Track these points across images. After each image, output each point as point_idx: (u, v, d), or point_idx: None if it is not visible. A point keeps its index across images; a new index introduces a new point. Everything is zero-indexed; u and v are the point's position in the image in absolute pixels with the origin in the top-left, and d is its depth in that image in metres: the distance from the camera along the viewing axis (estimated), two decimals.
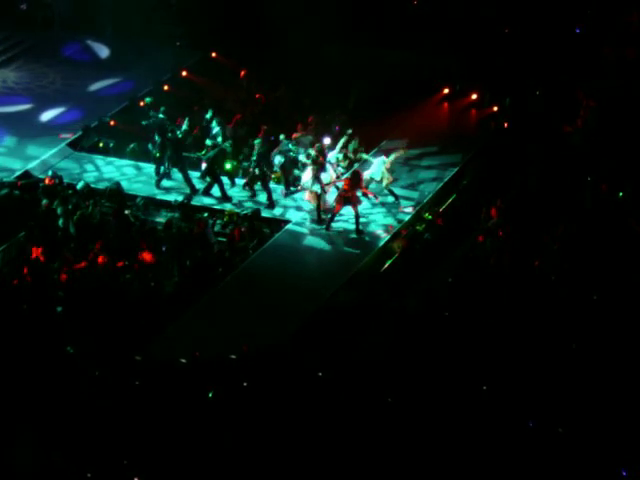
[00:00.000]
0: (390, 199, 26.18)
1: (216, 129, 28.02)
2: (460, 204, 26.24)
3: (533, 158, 26.69)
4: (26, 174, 27.78)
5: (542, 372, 18.89)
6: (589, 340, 19.80)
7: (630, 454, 16.92)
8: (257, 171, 26.28)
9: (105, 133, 29.74)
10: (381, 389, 18.55)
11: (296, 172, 26.78)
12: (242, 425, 17.82)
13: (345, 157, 27.02)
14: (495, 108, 29.48)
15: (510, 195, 25.27)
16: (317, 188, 25.45)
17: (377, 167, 25.96)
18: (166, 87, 31.28)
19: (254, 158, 26.31)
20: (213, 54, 32.96)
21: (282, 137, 26.95)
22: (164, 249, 24.07)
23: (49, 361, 19.79)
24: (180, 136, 27.37)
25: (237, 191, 26.93)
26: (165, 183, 27.34)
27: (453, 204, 26.37)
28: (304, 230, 25.47)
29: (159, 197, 26.87)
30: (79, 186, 26.35)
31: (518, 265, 22.47)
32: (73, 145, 29.34)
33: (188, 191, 26.64)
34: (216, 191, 26.70)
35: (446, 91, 30.50)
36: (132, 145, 28.98)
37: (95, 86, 32.41)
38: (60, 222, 25.06)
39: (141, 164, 28.40)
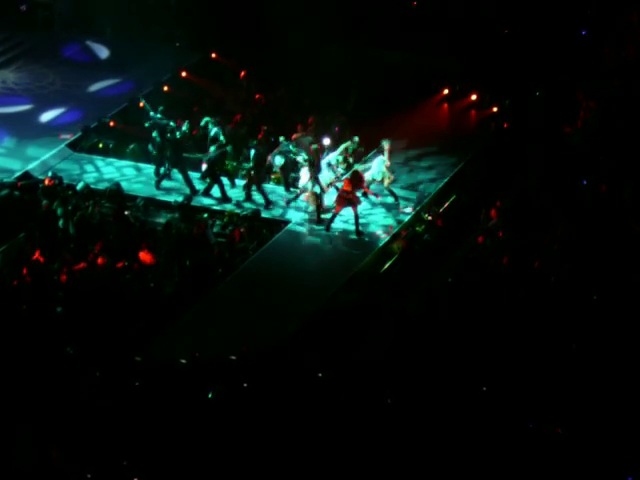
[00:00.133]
0: (390, 199, 26.19)
1: (214, 130, 27.93)
2: (460, 205, 26.23)
3: (533, 158, 26.68)
4: (26, 175, 27.71)
5: (542, 373, 18.89)
6: (589, 341, 19.79)
7: (635, 459, 16.87)
8: (253, 173, 26.32)
9: (105, 134, 29.73)
10: (381, 390, 18.55)
11: (294, 174, 26.78)
12: (242, 425, 17.81)
13: (345, 160, 26.98)
14: (495, 109, 29.48)
15: (510, 196, 25.27)
16: (317, 189, 25.45)
17: (377, 167, 25.94)
18: (166, 88, 31.25)
19: (251, 161, 26.35)
20: (213, 54, 32.91)
21: (282, 139, 26.94)
22: (164, 250, 24.05)
23: (49, 361, 19.78)
24: (179, 137, 27.34)
25: (237, 192, 26.93)
26: (165, 184, 27.32)
27: (453, 205, 26.38)
28: (304, 230, 25.48)
29: (159, 198, 26.87)
30: (79, 187, 26.34)
31: (518, 266, 22.46)
32: (73, 146, 29.28)
33: (188, 192, 26.65)
34: (216, 192, 26.70)
35: (446, 91, 30.49)
36: (132, 146, 28.95)
37: (95, 87, 32.35)
38: (60, 223, 25.02)
39: (141, 165, 28.36)
